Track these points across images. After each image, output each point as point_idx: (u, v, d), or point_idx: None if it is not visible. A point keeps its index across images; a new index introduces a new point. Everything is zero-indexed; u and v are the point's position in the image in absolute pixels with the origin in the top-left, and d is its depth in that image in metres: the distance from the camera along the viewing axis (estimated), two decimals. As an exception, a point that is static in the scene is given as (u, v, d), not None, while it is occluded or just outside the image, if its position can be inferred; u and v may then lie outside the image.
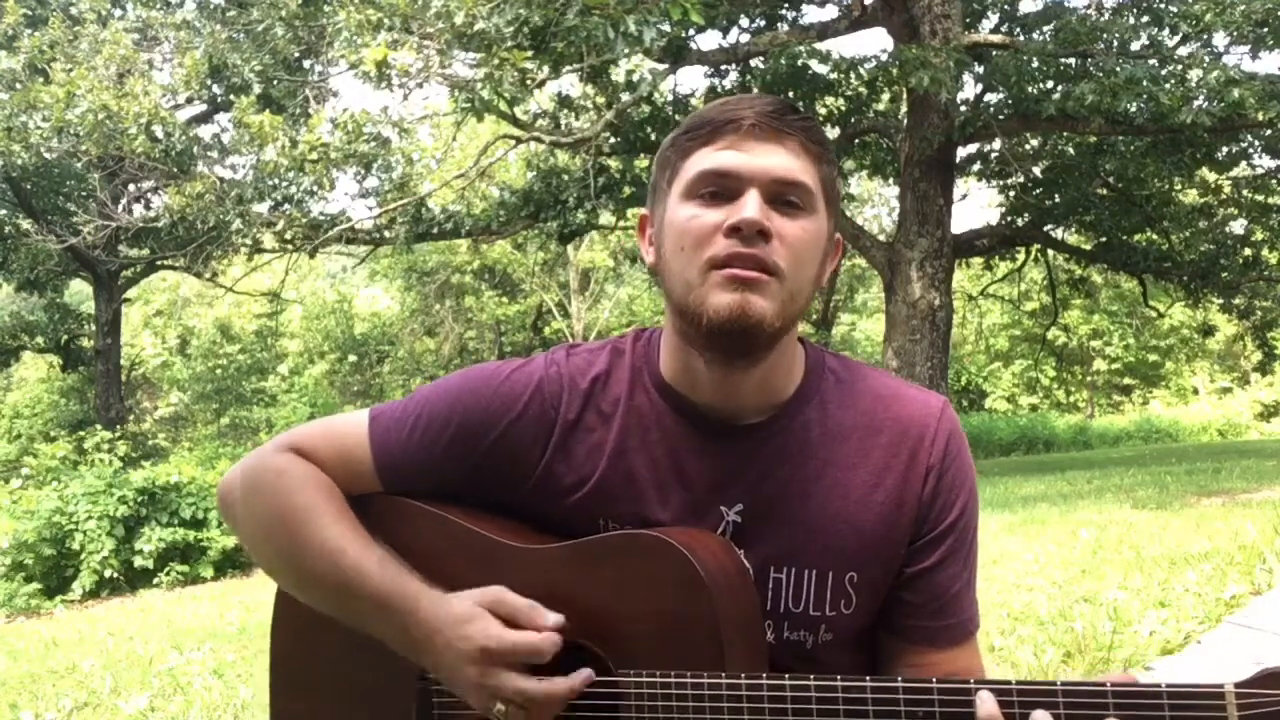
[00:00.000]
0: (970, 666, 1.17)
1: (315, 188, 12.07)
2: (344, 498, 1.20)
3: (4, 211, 18.59)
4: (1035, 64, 11.41)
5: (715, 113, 1.09)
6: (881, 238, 13.64)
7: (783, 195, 1.06)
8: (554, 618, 1.06)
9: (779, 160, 1.06)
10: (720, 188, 1.07)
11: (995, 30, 13.88)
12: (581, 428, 1.17)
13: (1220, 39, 11.59)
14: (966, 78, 11.74)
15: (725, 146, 1.07)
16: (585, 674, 1.06)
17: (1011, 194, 15.07)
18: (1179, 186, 14.84)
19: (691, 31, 10.59)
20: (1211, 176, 14.83)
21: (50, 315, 19.87)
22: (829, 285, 24.05)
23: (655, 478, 1.15)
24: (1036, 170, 14.61)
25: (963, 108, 12.15)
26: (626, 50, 8.78)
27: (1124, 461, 13.66)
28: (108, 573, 9.79)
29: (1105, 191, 14.36)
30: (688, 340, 1.12)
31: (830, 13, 13.92)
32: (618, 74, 11.49)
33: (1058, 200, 14.27)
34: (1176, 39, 11.99)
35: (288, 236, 12.87)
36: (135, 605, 8.52)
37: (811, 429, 1.15)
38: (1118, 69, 10.39)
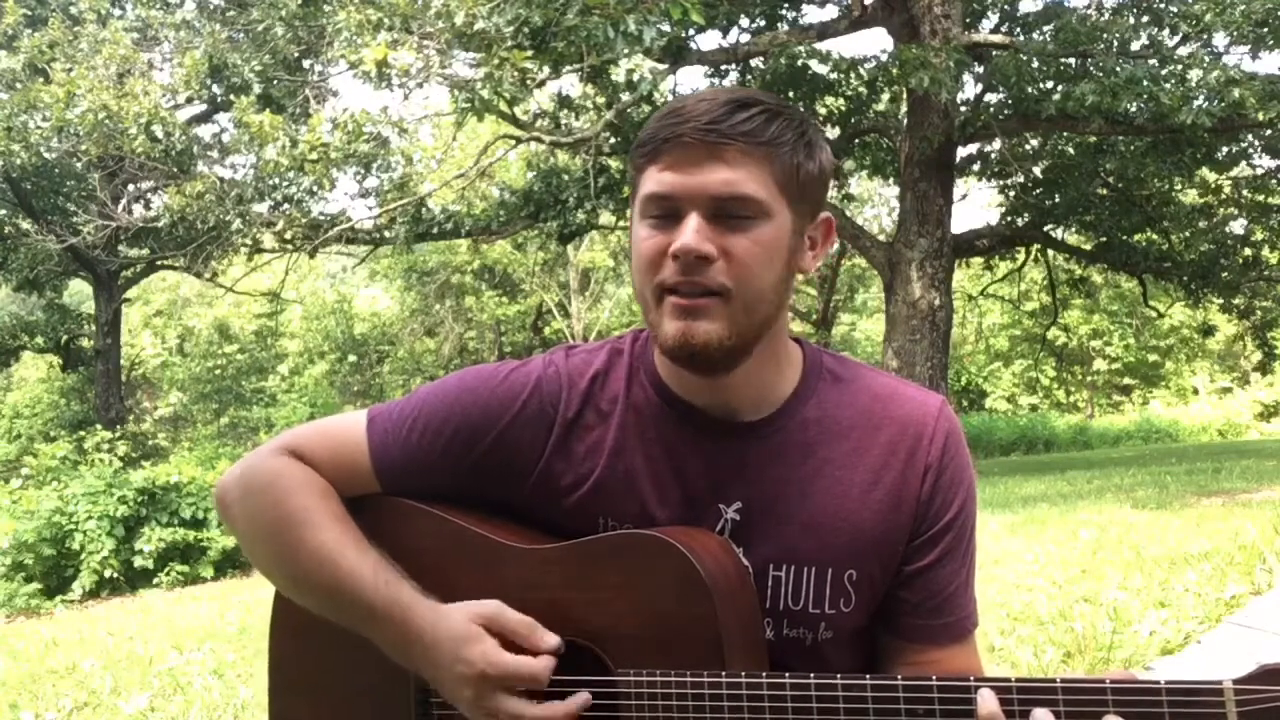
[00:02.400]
0: (969, 665, 1.17)
1: (315, 188, 12.06)
2: (341, 501, 1.20)
3: (4, 211, 18.58)
4: (1035, 64, 11.40)
5: (660, 126, 1.07)
6: (881, 238, 13.63)
7: (725, 210, 1.05)
8: (551, 640, 1.07)
9: (716, 176, 1.04)
10: (665, 210, 1.06)
11: (995, 30, 13.87)
12: (580, 426, 1.17)
13: (1220, 39, 11.59)
14: (966, 78, 11.72)
15: (665, 167, 1.06)
16: (583, 697, 1.06)
17: (1011, 194, 15.06)
18: (1179, 186, 14.83)
19: (691, 31, 10.59)
20: (1211, 176, 14.82)
21: (50, 315, 19.87)
22: (829, 282, 24.02)
23: (654, 476, 1.15)
24: (1036, 170, 14.59)
25: (963, 108, 12.14)
26: (626, 50, 8.78)
27: (1124, 461, 13.66)
28: (108, 573, 9.79)
29: (1105, 191, 14.34)
30: None
31: (830, 13, 13.92)
32: (618, 74, 11.48)
33: (1058, 200, 14.25)
34: (1176, 39, 11.98)
35: (288, 236, 12.87)
36: (135, 605, 8.51)
37: (810, 427, 1.15)
38: (1118, 69, 10.38)
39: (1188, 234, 14.83)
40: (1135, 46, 11.80)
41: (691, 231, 1.04)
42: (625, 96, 10.70)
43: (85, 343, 20.34)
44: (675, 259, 1.05)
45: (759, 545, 1.13)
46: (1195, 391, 30.84)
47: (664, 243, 1.06)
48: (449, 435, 1.18)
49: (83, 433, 16.02)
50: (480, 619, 1.08)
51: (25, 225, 17.63)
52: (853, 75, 11.76)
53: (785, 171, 1.07)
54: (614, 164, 12.38)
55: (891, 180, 15.81)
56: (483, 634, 1.07)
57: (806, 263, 1.13)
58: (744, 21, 13.03)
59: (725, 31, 13.03)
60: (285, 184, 12.17)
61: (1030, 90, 11.71)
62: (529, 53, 8.80)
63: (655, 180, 1.07)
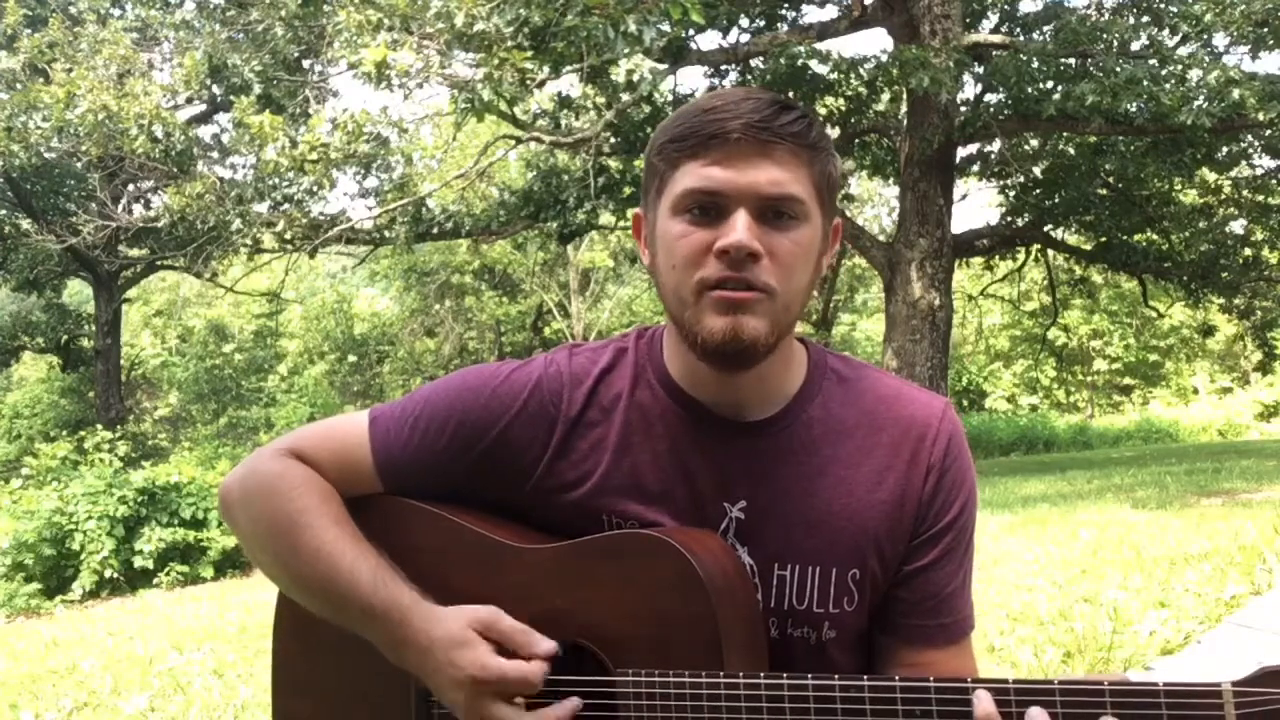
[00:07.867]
0: (964, 667, 1.17)
1: (315, 188, 12.06)
2: (342, 502, 1.20)
3: (4, 211, 18.59)
4: (1035, 64, 11.40)
5: (702, 121, 1.06)
6: (881, 238, 13.64)
7: (772, 209, 1.06)
8: (547, 645, 1.07)
9: (766, 175, 1.05)
10: (708, 205, 1.06)
11: (995, 30, 13.88)
12: (583, 424, 1.17)
13: (1220, 39, 11.60)
14: (966, 78, 11.73)
15: (711, 163, 1.05)
16: (573, 703, 1.06)
17: (1011, 194, 15.07)
18: (1179, 186, 14.84)
19: (691, 31, 10.60)
20: (1211, 176, 14.83)
21: (50, 315, 19.89)
22: (829, 282, 24.02)
23: (659, 473, 1.15)
24: (1036, 170, 14.61)
25: (963, 108, 12.15)
26: (626, 50, 8.78)
27: (1124, 461, 13.65)
28: (108, 573, 9.78)
29: (1105, 191, 14.35)
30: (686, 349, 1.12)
31: (830, 13, 13.93)
32: (618, 74, 11.48)
33: (1058, 200, 14.26)
34: (1176, 39, 11.97)
35: (288, 236, 12.87)
36: (135, 605, 8.51)
37: (814, 426, 1.15)
38: (1118, 69, 10.38)
39: (1188, 234, 14.85)
40: (1135, 46, 11.80)
41: (744, 229, 1.04)
42: (625, 96, 10.70)
43: (85, 343, 20.36)
44: (721, 255, 1.04)
45: (764, 544, 1.13)
46: (1195, 391, 30.80)
47: (708, 239, 1.05)
48: (450, 434, 1.18)
49: (83, 433, 15.96)
50: (475, 624, 1.08)
51: (25, 225, 17.65)
52: (853, 75, 11.76)
53: (822, 175, 1.09)
54: (614, 164, 12.38)
55: (891, 180, 15.82)
56: (477, 639, 1.07)
57: (822, 264, 1.14)
58: (744, 21, 13.04)
59: (725, 31, 13.04)
60: (285, 184, 12.16)
61: (1030, 90, 11.70)
62: (529, 53, 8.81)
63: (699, 175, 1.06)
